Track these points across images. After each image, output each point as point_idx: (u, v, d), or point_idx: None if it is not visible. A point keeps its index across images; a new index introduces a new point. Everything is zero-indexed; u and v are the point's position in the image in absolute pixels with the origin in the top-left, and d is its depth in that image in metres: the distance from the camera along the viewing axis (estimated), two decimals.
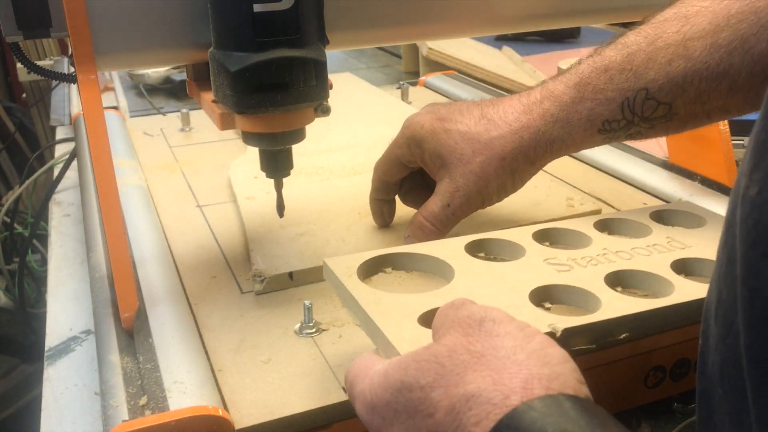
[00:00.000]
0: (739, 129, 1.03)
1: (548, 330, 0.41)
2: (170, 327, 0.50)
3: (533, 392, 0.30)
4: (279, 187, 0.59)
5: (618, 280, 0.49)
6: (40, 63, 1.48)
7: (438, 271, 0.50)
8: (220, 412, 0.42)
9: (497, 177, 0.58)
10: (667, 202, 0.75)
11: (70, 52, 0.54)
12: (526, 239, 0.53)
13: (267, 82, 0.49)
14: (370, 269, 0.50)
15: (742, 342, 0.29)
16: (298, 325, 0.53)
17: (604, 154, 0.85)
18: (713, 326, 0.32)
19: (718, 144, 0.73)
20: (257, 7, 0.47)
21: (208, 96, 0.54)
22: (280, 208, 0.60)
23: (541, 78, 1.36)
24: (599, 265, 0.50)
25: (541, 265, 0.49)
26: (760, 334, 0.28)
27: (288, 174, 0.57)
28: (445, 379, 0.32)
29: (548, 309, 0.47)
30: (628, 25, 0.62)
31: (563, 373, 0.32)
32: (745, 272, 0.28)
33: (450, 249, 0.51)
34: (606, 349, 0.52)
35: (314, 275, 0.59)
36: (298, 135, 0.54)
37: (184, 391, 0.44)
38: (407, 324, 0.42)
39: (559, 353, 0.33)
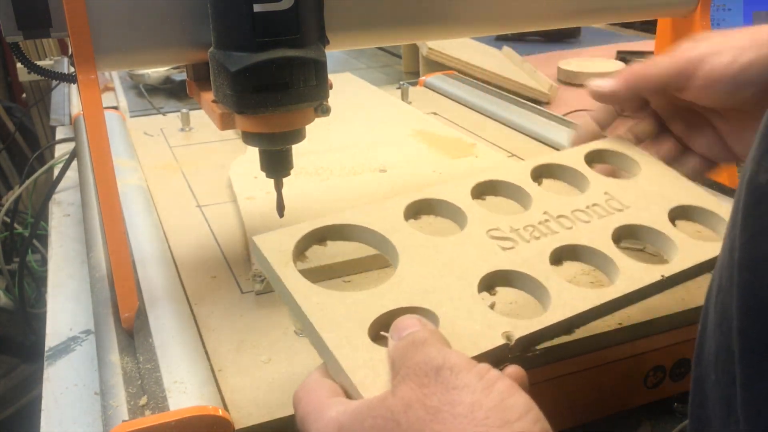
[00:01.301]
0: None
1: (503, 341, 0.40)
2: (170, 327, 0.50)
3: None
4: (279, 187, 0.59)
5: (563, 254, 0.49)
6: (40, 63, 1.48)
7: (378, 245, 0.48)
8: (220, 412, 0.42)
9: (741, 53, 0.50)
10: None
11: (70, 52, 0.54)
12: (466, 198, 0.51)
13: (267, 82, 0.48)
14: (304, 244, 0.47)
15: (734, 327, 0.29)
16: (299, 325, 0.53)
17: None
18: (712, 313, 0.32)
19: None
20: (257, 7, 0.47)
21: (208, 96, 0.54)
22: (280, 208, 0.60)
23: (542, 78, 1.36)
24: (542, 237, 0.49)
25: (485, 241, 0.48)
26: (751, 322, 0.28)
27: (288, 174, 0.57)
28: None
29: (494, 294, 0.46)
30: (628, 26, 0.62)
31: (523, 430, 0.31)
32: (743, 258, 0.28)
33: (389, 217, 0.48)
34: (606, 349, 0.52)
35: (314, 275, 0.59)
36: (298, 135, 0.54)
37: (184, 391, 0.44)
38: (358, 340, 0.39)
39: (520, 404, 0.32)
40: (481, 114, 1.06)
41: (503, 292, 0.46)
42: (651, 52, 0.93)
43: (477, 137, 0.94)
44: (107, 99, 1.16)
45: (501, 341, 0.40)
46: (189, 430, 0.41)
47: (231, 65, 0.48)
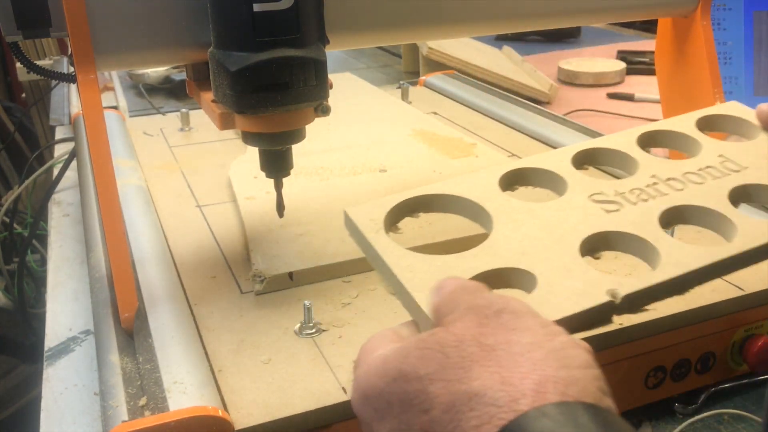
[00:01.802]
0: None
1: (607, 298, 0.37)
2: (170, 327, 0.50)
3: (546, 397, 0.27)
4: (279, 187, 0.58)
5: (673, 217, 0.45)
6: (39, 63, 1.48)
7: (472, 214, 0.45)
8: (220, 413, 0.42)
9: None
10: None
11: (69, 52, 0.54)
12: (566, 166, 0.49)
13: (267, 82, 0.48)
14: (396, 216, 0.45)
15: None
16: (298, 325, 0.53)
17: None
18: None
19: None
20: (257, 7, 0.47)
21: (208, 96, 0.54)
22: (280, 208, 0.60)
23: (542, 78, 1.36)
24: (650, 200, 0.45)
25: (588, 205, 0.44)
26: None
27: (288, 174, 0.57)
28: (447, 372, 0.29)
29: (598, 258, 0.43)
30: (628, 25, 0.62)
31: (583, 379, 0.28)
32: None
33: (482, 186, 0.46)
34: (606, 350, 0.52)
35: (314, 275, 0.59)
36: (298, 135, 0.54)
37: (184, 391, 0.44)
38: None
39: (582, 357, 0.30)
40: (482, 114, 1.05)
41: (608, 258, 0.43)
42: (651, 52, 0.93)
43: (477, 137, 0.94)
44: (107, 99, 1.16)
45: (605, 299, 0.37)
46: (189, 431, 0.41)
47: (231, 65, 0.48)
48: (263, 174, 0.57)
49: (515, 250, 0.41)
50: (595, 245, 0.43)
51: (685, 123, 0.54)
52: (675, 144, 0.54)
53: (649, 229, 0.43)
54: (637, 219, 0.44)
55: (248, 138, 0.54)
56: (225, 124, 0.52)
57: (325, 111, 0.53)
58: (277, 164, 0.56)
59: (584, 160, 0.51)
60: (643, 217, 0.44)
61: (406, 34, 0.68)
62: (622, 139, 0.52)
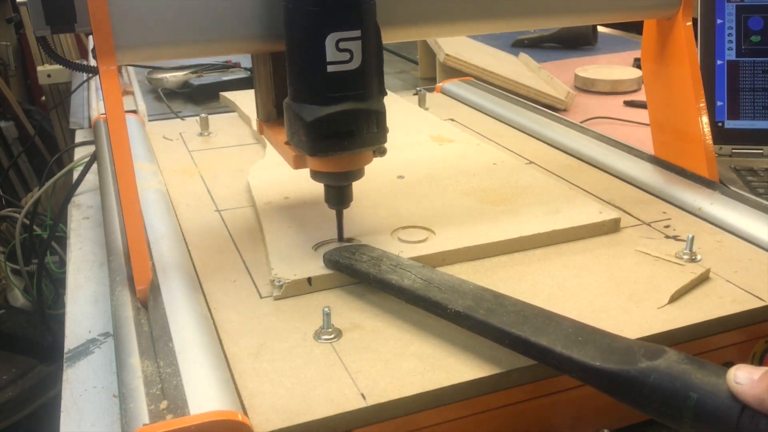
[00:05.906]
0: (738, 137, 1.02)
1: None
2: (190, 331, 0.51)
3: None
4: (340, 216, 0.63)
5: None
6: (57, 66, 1.49)
7: None
8: (240, 417, 0.43)
9: None
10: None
11: (92, 47, 0.59)
12: None
13: (336, 130, 0.56)
14: None
15: None
16: (317, 330, 0.53)
17: (624, 162, 0.84)
18: None
19: (700, 139, 0.75)
20: (330, 68, 0.54)
21: (280, 137, 0.61)
22: (341, 235, 0.63)
23: (559, 85, 1.36)
24: None
25: None
26: None
27: (348, 206, 0.63)
28: None
29: None
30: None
31: None
32: None
33: None
34: None
35: (333, 281, 0.59)
36: (359, 173, 0.61)
37: (204, 395, 0.44)
38: None
39: None
40: (499, 120, 1.05)
41: None
42: None
43: (494, 144, 0.94)
44: (126, 103, 1.17)
45: None
46: None
47: (306, 116, 0.55)
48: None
49: None
50: None
51: None
52: None
53: None
54: None
55: (316, 176, 0.61)
56: (298, 164, 0.60)
57: (382, 152, 0.60)
58: (339, 198, 0.62)
59: None
60: None
61: (444, 29, 0.70)
62: None
